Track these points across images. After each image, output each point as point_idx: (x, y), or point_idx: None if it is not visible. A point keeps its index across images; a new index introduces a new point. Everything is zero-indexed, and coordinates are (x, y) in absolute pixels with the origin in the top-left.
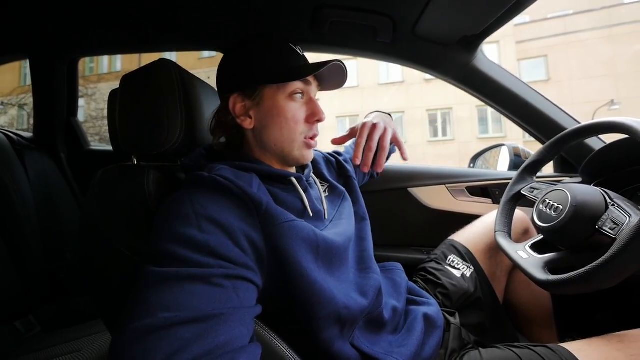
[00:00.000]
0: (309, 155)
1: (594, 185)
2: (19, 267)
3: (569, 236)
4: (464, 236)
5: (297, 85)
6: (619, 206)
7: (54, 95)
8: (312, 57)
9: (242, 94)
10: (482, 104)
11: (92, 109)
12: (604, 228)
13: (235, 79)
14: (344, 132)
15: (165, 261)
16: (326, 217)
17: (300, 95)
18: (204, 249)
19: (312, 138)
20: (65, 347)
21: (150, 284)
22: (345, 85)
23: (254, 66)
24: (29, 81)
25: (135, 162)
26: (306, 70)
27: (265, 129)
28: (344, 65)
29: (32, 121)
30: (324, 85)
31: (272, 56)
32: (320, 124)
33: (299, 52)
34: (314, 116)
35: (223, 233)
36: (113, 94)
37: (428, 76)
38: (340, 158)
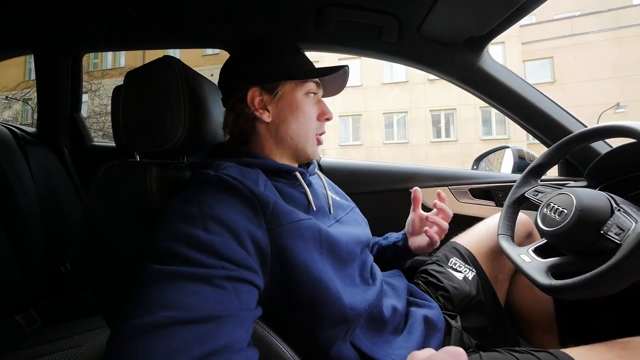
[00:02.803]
0: (317, 153)
1: (599, 190)
2: (20, 261)
3: (573, 241)
4: (466, 238)
5: (312, 85)
6: (624, 211)
7: (58, 90)
8: (315, 56)
9: (262, 89)
10: (486, 105)
11: (95, 105)
12: (609, 233)
13: (258, 73)
14: (346, 131)
15: (169, 259)
16: (331, 212)
17: (313, 95)
18: (208, 250)
19: (320, 135)
20: (65, 342)
21: (152, 282)
22: (349, 84)
23: (279, 63)
24: (33, 76)
25: (138, 159)
26: (324, 71)
27: (283, 123)
28: (349, 72)
29: (36, 116)
30: (325, 91)
31: (292, 56)
32: (325, 130)
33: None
34: (324, 115)
35: (228, 234)
36: (117, 90)
37: (432, 76)
38: None
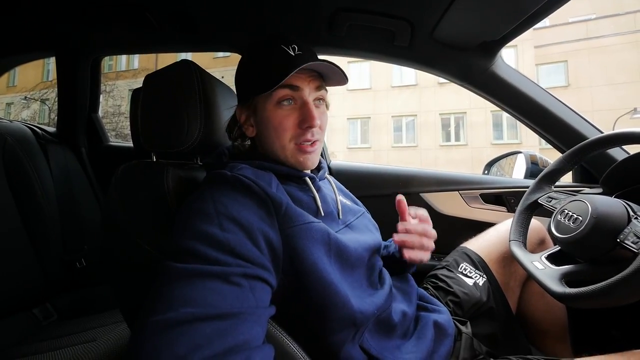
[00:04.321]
0: (308, 161)
1: (615, 197)
2: (38, 256)
3: (588, 249)
4: (477, 244)
5: (284, 92)
6: None
7: (78, 91)
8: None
9: (243, 105)
10: (497, 108)
11: (109, 105)
12: (625, 242)
13: (237, 90)
14: (354, 134)
15: (187, 257)
16: (340, 217)
17: (289, 101)
18: (224, 247)
19: (311, 144)
20: (80, 336)
21: (171, 279)
22: (358, 87)
23: (248, 77)
24: (51, 77)
25: (154, 159)
26: (279, 78)
27: (261, 137)
28: (328, 61)
29: (52, 115)
30: (328, 82)
31: (261, 65)
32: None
33: (291, 52)
34: (304, 122)
35: (243, 232)
36: (136, 92)
37: (442, 79)
38: None
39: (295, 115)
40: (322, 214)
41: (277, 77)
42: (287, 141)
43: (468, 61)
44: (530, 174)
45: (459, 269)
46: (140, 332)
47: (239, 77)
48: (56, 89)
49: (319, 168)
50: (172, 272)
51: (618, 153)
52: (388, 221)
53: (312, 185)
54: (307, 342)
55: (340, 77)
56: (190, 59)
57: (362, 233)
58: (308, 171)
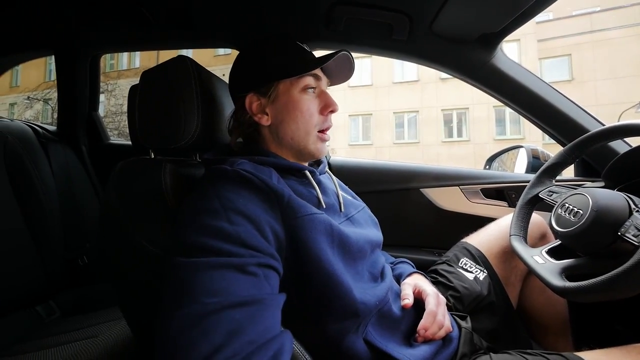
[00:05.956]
0: (323, 150)
1: (617, 190)
2: (41, 254)
3: (589, 242)
4: (477, 239)
5: (309, 79)
6: None
7: (77, 90)
8: (318, 51)
9: (258, 93)
10: (500, 104)
11: (111, 105)
12: (626, 235)
13: (250, 78)
14: (356, 130)
15: (199, 253)
16: (342, 210)
17: (312, 89)
18: (235, 240)
19: (326, 131)
20: (83, 333)
21: (188, 273)
22: (359, 83)
23: (267, 64)
24: (53, 77)
25: (153, 156)
26: (317, 62)
27: (281, 124)
28: (351, 55)
29: (55, 115)
30: (332, 80)
31: (283, 53)
32: (332, 123)
33: (307, 48)
34: (327, 107)
35: (251, 224)
36: (133, 89)
37: (444, 75)
38: None
39: (316, 102)
40: (324, 206)
41: (311, 63)
42: (312, 127)
43: (468, 54)
44: (531, 169)
45: (460, 264)
46: (169, 326)
47: (249, 66)
48: None
49: (318, 162)
50: (188, 267)
51: (620, 146)
52: (388, 216)
53: (312, 179)
54: (306, 333)
55: (343, 77)
56: (190, 56)
57: (363, 227)
58: (306, 164)
